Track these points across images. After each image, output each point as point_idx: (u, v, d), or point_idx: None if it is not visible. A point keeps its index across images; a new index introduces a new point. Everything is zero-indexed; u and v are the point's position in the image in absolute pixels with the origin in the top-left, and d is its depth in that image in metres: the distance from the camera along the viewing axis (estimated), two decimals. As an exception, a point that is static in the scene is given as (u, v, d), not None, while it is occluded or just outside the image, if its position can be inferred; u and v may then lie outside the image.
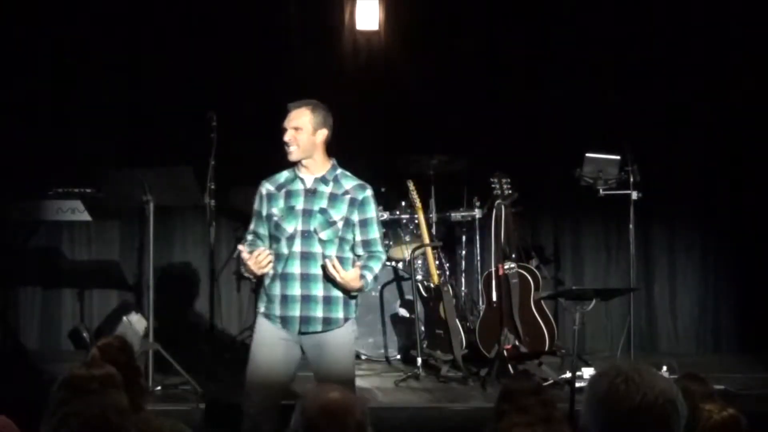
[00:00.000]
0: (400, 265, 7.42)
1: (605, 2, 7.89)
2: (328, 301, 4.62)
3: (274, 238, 4.68)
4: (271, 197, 4.71)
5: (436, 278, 7.00)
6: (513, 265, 6.79)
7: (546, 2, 7.94)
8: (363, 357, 7.32)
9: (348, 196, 4.66)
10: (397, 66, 8.01)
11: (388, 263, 7.46)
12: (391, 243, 7.55)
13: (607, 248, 8.09)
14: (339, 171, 4.73)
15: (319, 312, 4.61)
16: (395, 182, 7.45)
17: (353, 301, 4.70)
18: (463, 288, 7.78)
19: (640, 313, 7.69)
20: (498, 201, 6.85)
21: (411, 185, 7.17)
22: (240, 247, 4.65)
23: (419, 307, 7.00)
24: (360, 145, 7.77)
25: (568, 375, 5.92)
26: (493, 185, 6.87)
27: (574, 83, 7.81)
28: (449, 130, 7.84)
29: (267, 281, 4.69)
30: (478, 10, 7.91)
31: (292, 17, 8.02)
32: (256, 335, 4.72)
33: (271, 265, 4.59)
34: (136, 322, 6.65)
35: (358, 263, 4.64)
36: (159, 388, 6.21)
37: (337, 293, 4.63)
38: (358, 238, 4.68)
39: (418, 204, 7.15)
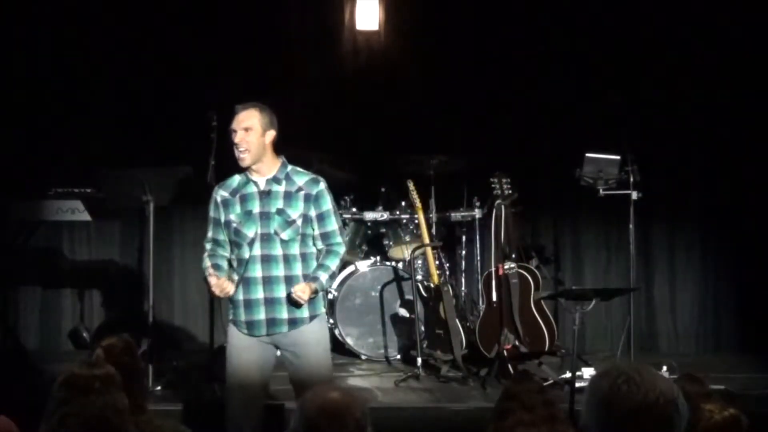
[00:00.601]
0: (400, 265, 7.41)
1: (605, 2, 7.88)
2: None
3: (235, 244, 4.68)
4: (226, 203, 4.70)
5: (436, 278, 6.99)
6: (513, 265, 6.78)
7: (546, 2, 7.93)
8: (363, 357, 7.32)
9: (302, 192, 4.66)
10: (397, 66, 8.01)
11: (388, 263, 7.48)
12: (391, 243, 7.55)
13: (607, 248, 8.08)
14: (290, 168, 4.74)
15: (284, 313, 4.62)
16: (395, 182, 7.44)
17: (318, 297, 4.68)
18: (463, 288, 7.77)
19: (640, 313, 7.68)
20: (498, 201, 6.84)
21: (411, 185, 7.16)
22: (209, 270, 4.61)
23: (419, 307, 6.99)
24: (360, 145, 7.79)
25: (568, 375, 5.92)
26: (493, 185, 6.87)
27: (574, 83, 7.80)
28: (449, 130, 7.83)
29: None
30: (477, 10, 7.90)
31: (292, 17, 8.02)
32: (229, 340, 4.74)
33: (232, 288, 4.60)
34: None
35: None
36: (159, 388, 6.22)
37: None
38: (317, 231, 4.68)
39: (418, 204, 7.14)
